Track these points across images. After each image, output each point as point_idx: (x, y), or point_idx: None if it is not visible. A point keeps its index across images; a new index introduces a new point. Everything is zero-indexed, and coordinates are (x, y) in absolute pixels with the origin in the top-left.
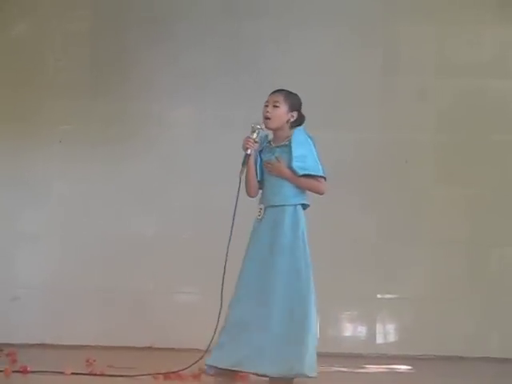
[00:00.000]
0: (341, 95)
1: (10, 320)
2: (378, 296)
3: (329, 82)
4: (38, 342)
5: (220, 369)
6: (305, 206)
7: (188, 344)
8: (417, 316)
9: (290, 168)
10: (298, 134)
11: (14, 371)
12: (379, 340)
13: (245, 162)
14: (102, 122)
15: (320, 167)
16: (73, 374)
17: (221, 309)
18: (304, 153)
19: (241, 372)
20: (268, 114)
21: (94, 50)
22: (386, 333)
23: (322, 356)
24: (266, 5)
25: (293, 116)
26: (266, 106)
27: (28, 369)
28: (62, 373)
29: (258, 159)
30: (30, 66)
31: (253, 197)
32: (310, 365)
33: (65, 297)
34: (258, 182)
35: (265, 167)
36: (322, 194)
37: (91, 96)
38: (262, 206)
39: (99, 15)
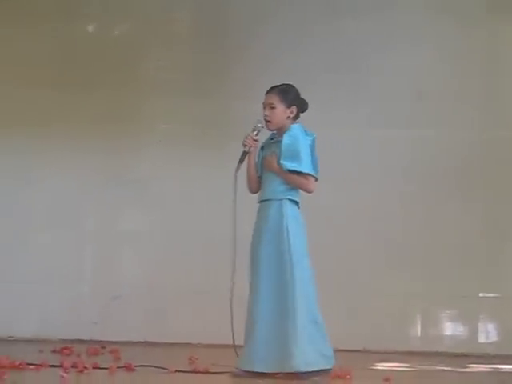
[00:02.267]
0: (445, 95)
1: (112, 318)
2: (480, 295)
3: (432, 81)
4: (140, 340)
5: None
6: (297, 204)
7: None
8: None
9: (278, 163)
10: (293, 130)
11: (118, 367)
12: (481, 339)
13: (242, 160)
14: (202, 122)
15: (310, 165)
16: (177, 371)
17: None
18: (296, 149)
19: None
20: (267, 118)
21: (195, 49)
22: (489, 332)
23: (424, 355)
24: (368, 4)
25: (292, 112)
26: (264, 108)
27: (132, 366)
28: (165, 369)
29: (261, 155)
30: (131, 66)
31: (254, 193)
32: (302, 359)
33: (166, 295)
34: (259, 177)
35: (263, 163)
36: (309, 191)
37: (192, 96)
38: (258, 202)
39: (199, 15)
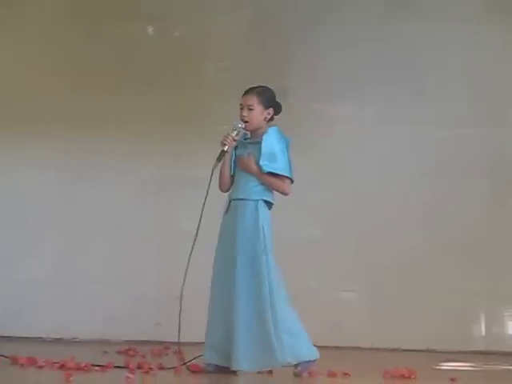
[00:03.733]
0: (502, 94)
1: (175, 319)
2: None
3: (488, 81)
4: (203, 341)
5: (217, 365)
6: (269, 205)
7: (352, 342)
8: None
9: (258, 165)
10: (272, 133)
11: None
12: None
13: (220, 158)
14: None
15: (288, 168)
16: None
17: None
18: (274, 151)
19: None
20: (245, 118)
21: (255, 50)
22: None
23: (488, 354)
24: (428, 6)
25: (269, 113)
26: (241, 108)
27: (197, 367)
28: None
29: (233, 154)
30: (192, 68)
31: (225, 192)
32: (282, 353)
33: None
34: (231, 176)
35: (237, 162)
36: (286, 194)
37: None
38: (228, 200)
39: (259, 15)
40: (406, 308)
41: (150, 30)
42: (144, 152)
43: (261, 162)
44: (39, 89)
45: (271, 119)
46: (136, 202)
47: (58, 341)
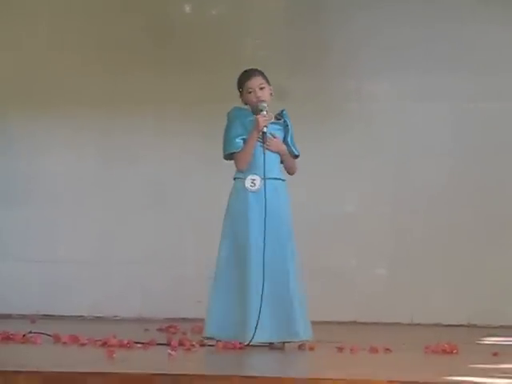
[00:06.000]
0: None
1: None
2: None
3: None
4: None
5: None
6: None
7: (392, 318)
8: None
9: (287, 145)
10: (287, 115)
11: None
12: None
13: (265, 141)
14: (300, 100)
15: None
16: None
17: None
18: (293, 133)
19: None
20: (262, 97)
21: (292, 26)
22: None
23: None
24: None
25: (271, 89)
26: (250, 92)
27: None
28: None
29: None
30: (228, 47)
31: (244, 170)
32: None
33: None
34: None
35: (264, 141)
36: (294, 173)
37: (289, 74)
38: (257, 178)
39: None
40: (446, 283)
41: (188, 8)
42: (182, 131)
43: (291, 145)
44: (77, 69)
45: None
46: (175, 180)
47: (98, 319)
